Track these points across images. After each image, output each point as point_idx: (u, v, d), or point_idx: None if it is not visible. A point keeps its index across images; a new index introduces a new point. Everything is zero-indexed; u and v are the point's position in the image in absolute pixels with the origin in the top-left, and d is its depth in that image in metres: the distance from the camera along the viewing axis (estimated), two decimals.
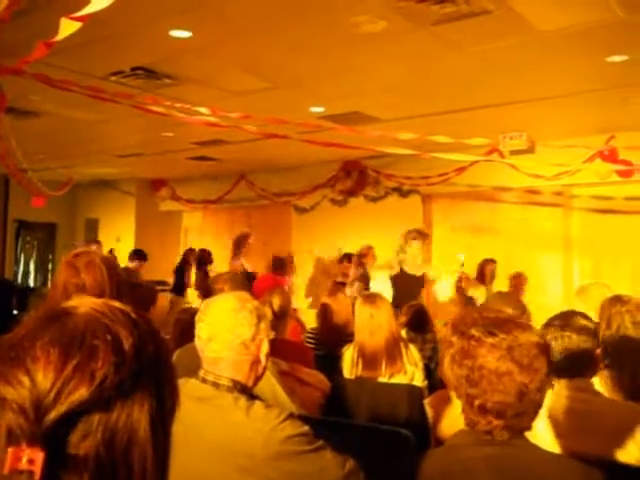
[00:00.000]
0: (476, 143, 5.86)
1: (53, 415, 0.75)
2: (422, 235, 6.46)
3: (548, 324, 2.46)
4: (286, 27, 4.43)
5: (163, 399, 0.87)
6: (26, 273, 12.64)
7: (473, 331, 1.56)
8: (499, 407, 1.50)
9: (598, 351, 2.43)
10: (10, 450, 0.73)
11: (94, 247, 9.14)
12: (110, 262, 2.44)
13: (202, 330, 2.01)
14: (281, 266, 7.93)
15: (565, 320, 2.43)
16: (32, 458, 0.72)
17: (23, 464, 0.72)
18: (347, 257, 8.38)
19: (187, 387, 1.96)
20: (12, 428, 0.75)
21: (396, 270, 6.39)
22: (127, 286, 2.53)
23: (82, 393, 0.76)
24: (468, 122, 6.89)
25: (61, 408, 0.76)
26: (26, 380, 0.76)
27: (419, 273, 6.44)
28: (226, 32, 4.53)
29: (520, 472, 1.52)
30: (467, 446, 1.57)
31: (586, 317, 2.49)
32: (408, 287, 6.25)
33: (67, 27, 2.40)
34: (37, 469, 0.72)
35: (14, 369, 0.77)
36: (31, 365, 0.77)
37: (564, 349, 2.35)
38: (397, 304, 6.14)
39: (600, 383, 2.50)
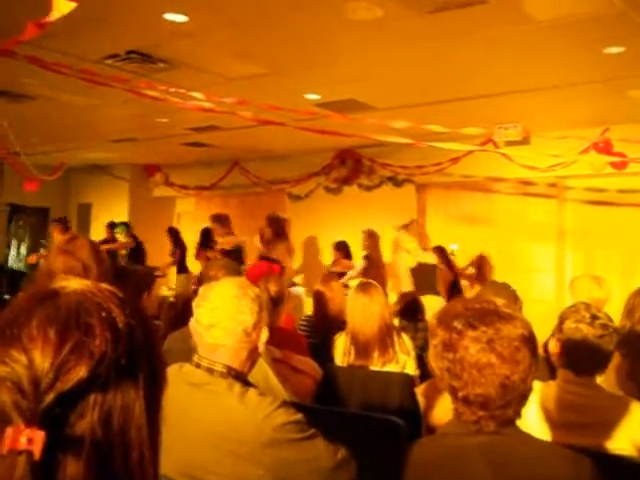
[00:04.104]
0: (471, 133, 5.84)
1: (52, 394, 0.74)
2: (404, 226, 6.62)
3: (576, 310, 2.41)
4: (282, 13, 4.40)
5: (155, 380, 0.87)
6: (18, 257, 12.58)
7: (455, 323, 1.56)
8: (482, 399, 1.50)
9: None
10: (10, 430, 0.72)
11: (55, 229, 9.18)
12: (96, 244, 2.45)
13: (202, 316, 1.97)
14: (278, 224, 7.86)
15: (595, 315, 2.37)
16: (31, 438, 0.72)
17: (22, 444, 0.71)
18: (337, 246, 8.44)
19: (182, 372, 1.95)
20: (4, 408, 0.75)
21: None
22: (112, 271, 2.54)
23: (81, 372, 0.76)
24: (463, 112, 6.87)
25: (60, 387, 0.75)
26: (23, 359, 0.76)
27: (415, 262, 6.51)
28: (222, 17, 4.49)
29: (513, 459, 1.52)
30: (459, 435, 1.57)
31: (610, 319, 2.44)
32: (422, 277, 6.37)
33: (61, 7, 2.37)
34: (37, 449, 0.71)
35: (9, 348, 0.77)
36: (28, 344, 0.77)
37: (583, 342, 2.32)
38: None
39: (604, 375, 2.47)
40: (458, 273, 7.80)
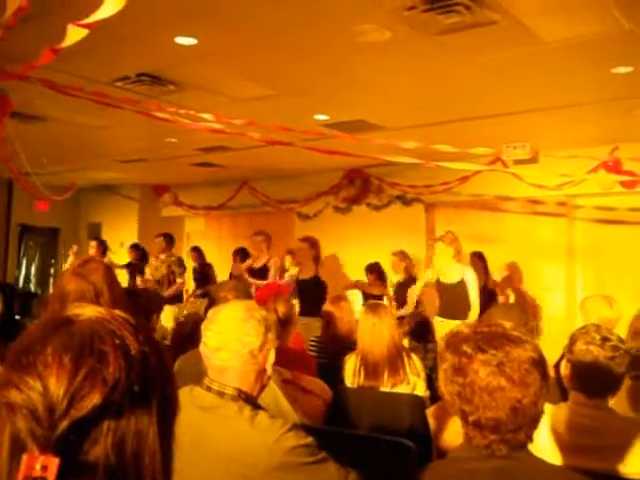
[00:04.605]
0: (479, 153, 5.86)
1: (67, 421, 0.75)
2: (441, 238, 6.40)
3: (586, 332, 2.41)
4: (291, 35, 4.44)
5: (168, 406, 0.88)
6: (28, 278, 12.63)
7: (465, 347, 1.55)
8: (493, 423, 1.49)
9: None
10: (25, 457, 0.73)
11: (93, 247, 9.14)
12: (110, 268, 2.46)
13: (210, 339, 2.01)
14: (317, 247, 7.40)
15: (606, 337, 2.36)
16: (45, 465, 0.72)
17: (37, 471, 0.72)
18: (370, 268, 8.35)
19: (192, 396, 1.96)
20: (19, 435, 0.75)
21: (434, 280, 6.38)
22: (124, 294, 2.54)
23: (95, 399, 0.77)
24: (472, 132, 6.89)
25: (74, 414, 0.76)
26: (38, 386, 0.76)
27: (453, 280, 6.32)
28: (231, 39, 4.54)
29: None
30: (470, 459, 1.56)
31: (622, 340, 2.43)
32: (449, 297, 6.21)
33: (74, 34, 2.40)
34: (51, 476, 0.72)
35: (24, 375, 0.78)
36: (43, 371, 0.78)
37: (594, 364, 2.31)
38: (442, 315, 6.13)
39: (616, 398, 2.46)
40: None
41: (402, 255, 8.02)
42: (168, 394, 0.88)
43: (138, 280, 8.64)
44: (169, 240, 8.78)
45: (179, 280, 8.51)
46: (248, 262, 8.35)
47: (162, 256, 8.66)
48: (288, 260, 7.99)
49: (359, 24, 4.18)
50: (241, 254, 8.80)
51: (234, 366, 1.97)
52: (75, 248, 9.16)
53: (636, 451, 2.18)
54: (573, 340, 2.40)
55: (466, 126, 6.70)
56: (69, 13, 2.67)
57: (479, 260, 7.65)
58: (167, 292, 8.25)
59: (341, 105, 6.19)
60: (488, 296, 7.11)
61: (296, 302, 6.44)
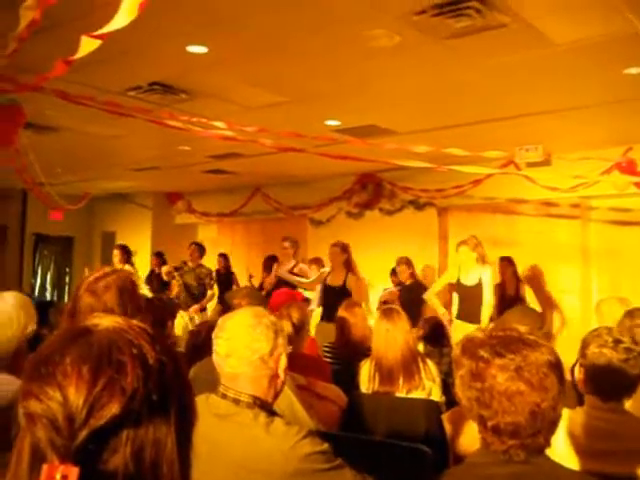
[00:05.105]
0: (492, 156, 5.84)
1: (86, 431, 0.76)
2: (465, 242, 6.43)
3: (598, 335, 2.39)
4: (302, 42, 4.46)
5: (186, 415, 0.88)
6: (43, 286, 12.72)
7: (482, 352, 1.54)
8: (512, 427, 1.48)
9: None
10: (45, 466, 0.73)
11: (116, 256, 9.15)
12: (125, 285, 2.40)
13: (220, 346, 2.02)
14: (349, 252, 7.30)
15: (618, 339, 2.34)
16: (65, 474, 0.73)
17: None
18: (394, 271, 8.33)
19: (208, 403, 1.97)
20: (39, 444, 0.76)
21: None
22: (143, 306, 2.52)
23: (114, 408, 0.77)
24: (484, 135, 6.88)
25: (94, 423, 0.76)
26: (58, 395, 0.77)
27: (473, 282, 6.34)
28: (242, 47, 4.56)
29: None
30: (488, 464, 1.55)
31: (635, 342, 2.41)
32: (468, 299, 6.20)
33: (87, 45, 2.42)
34: None
35: (43, 385, 0.78)
36: (62, 381, 0.78)
37: (607, 366, 2.29)
38: (461, 318, 6.12)
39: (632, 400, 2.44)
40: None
41: (408, 262, 8.02)
42: (186, 403, 0.89)
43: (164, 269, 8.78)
44: (201, 250, 8.94)
45: (210, 292, 8.66)
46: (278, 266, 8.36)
47: (190, 264, 8.80)
48: (314, 269, 7.99)
49: (369, 29, 4.19)
50: (272, 262, 8.81)
51: (245, 372, 1.97)
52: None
53: None
54: (585, 344, 2.38)
55: (477, 129, 6.69)
56: (81, 25, 2.69)
57: (509, 264, 7.66)
58: (201, 304, 8.39)
59: (352, 110, 6.20)
60: (517, 301, 7.12)
61: (319, 310, 6.46)
